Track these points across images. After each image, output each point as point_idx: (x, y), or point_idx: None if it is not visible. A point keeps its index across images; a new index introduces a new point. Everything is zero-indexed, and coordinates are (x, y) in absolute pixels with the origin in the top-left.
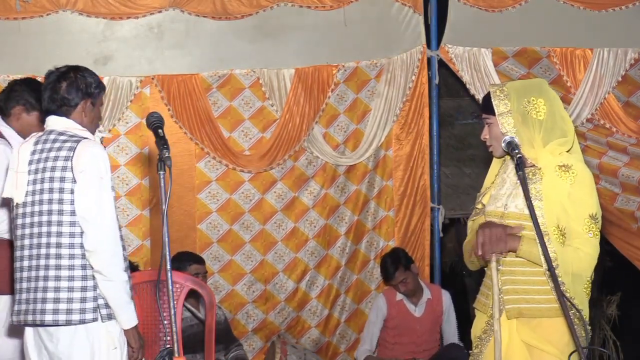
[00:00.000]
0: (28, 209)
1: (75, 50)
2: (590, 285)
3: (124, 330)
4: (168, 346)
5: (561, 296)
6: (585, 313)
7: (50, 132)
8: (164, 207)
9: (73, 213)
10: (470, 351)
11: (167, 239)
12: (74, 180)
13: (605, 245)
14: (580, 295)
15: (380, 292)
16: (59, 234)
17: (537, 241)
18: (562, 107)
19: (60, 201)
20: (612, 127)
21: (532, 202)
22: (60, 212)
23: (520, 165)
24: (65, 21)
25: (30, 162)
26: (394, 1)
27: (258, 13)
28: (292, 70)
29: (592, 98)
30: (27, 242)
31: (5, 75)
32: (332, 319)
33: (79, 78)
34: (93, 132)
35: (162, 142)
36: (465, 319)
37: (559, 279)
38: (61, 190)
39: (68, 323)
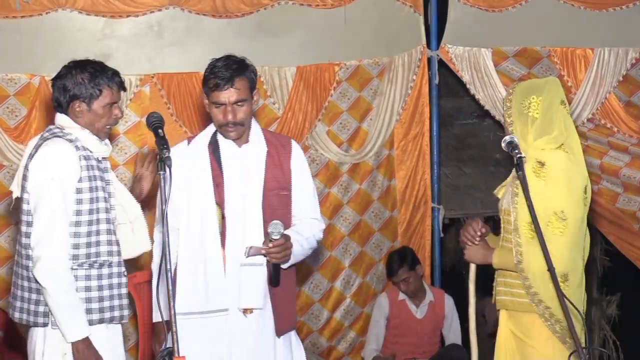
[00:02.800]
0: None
1: (74, 49)
2: (569, 281)
3: (71, 344)
4: (168, 346)
5: (561, 296)
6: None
7: (47, 127)
8: (164, 207)
9: (29, 213)
10: None
11: (167, 239)
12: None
13: (605, 245)
14: (551, 292)
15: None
16: (20, 234)
17: (514, 249)
18: (559, 105)
19: (22, 201)
20: (613, 127)
21: (513, 198)
22: (21, 212)
23: (520, 165)
24: (64, 20)
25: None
26: (395, 0)
27: (259, 11)
28: (294, 68)
29: (593, 98)
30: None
31: (4, 74)
32: (336, 323)
33: (69, 78)
34: (100, 131)
35: (162, 142)
36: (465, 319)
37: (524, 275)
38: (23, 190)
39: (28, 323)
